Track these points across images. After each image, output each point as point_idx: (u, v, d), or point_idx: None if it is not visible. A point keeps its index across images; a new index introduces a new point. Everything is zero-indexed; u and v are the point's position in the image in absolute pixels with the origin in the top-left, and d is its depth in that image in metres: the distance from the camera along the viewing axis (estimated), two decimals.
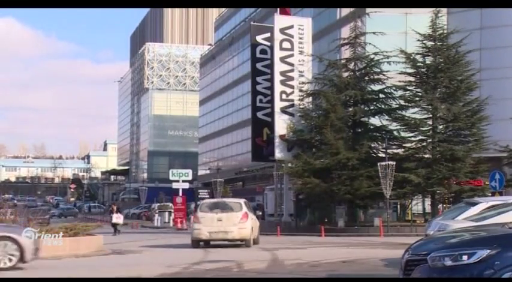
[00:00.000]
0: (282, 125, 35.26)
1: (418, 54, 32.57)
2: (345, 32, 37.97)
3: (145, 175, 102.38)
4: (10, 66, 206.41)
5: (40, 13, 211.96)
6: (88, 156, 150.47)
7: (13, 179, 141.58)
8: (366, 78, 34.13)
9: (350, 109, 33.65)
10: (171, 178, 42.54)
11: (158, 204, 52.05)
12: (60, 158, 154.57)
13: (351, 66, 34.30)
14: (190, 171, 43.84)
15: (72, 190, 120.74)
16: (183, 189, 41.88)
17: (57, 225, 19.03)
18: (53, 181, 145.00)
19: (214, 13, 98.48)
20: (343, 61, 35.11)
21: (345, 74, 34.43)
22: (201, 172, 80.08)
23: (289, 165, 35.04)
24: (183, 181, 41.84)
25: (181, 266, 12.85)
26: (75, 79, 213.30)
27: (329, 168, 31.64)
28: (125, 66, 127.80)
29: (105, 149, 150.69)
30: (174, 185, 41.99)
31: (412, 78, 32.59)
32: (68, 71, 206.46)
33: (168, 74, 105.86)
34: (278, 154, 35.55)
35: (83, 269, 12.82)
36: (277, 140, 35.39)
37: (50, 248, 15.37)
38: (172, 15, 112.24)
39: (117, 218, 32.24)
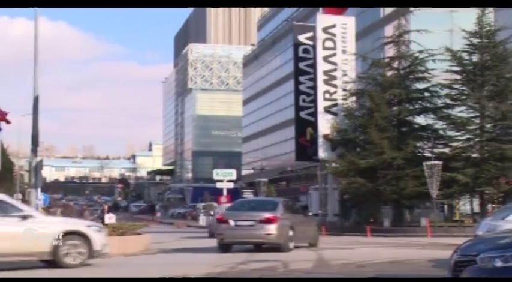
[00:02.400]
0: (325, 124, 35.13)
1: (464, 51, 32.05)
2: (389, 30, 37.62)
3: (190, 175, 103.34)
4: (60, 68, 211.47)
5: (91, 17, 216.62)
6: (134, 157, 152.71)
7: (62, 179, 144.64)
8: (411, 76, 33.76)
9: (395, 108, 33.34)
10: (215, 178, 42.90)
11: (203, 203, 52.47)
12: (107, 158, 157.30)
13: (395, 64, 33.97)
14: (234, 171, 44.09)
15: (119, 190, 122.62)
16: (228, 189, 42.17)
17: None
18: (100, 181, 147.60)
19: (256, 13, 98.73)
20: (387, 60, 34.81)
21: (389, 73, 34.11)
22: (245, 172, 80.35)
23: (334, 164, 34.89)
24: (228, 181, 42.13)
25: (228, 266, 12.95)
26: (122, 80, 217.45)
27: (374, 167, 31.40)
28: (170, 67, 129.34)
29: (150, 149, 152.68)
30: (218, 185, 42.31)
31: (458, 77, 32.10)
32: (116, 72, 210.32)
33: (211, 74, 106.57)
34: (322, 154, 35.42)
35: (130, 268, 13.04)
36: (320, 140, 35.28)
37: None
38: (215, 16, 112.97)
39: (110, 218, 29.15)
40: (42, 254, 12.75)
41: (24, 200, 30.54)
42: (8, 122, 23.55)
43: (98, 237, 13.31)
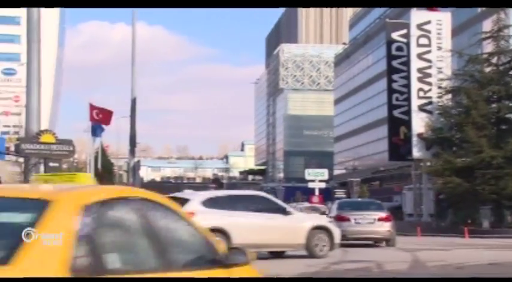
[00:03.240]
0: (419, 123, 34.39)
1: None
2: (487, 25, 36.31)
3: (281, 175, 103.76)
4: (156, 71, 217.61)
5: (183, 19, 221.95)
6: (227, 157, 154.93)
7: (158, 179, 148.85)
8: (511, 72, 32.45)
9: (493, 105, 32.15)
10: (307, 178, 42.94)
11: (295, 203, 52.56)
12: (200, 158, 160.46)
13: (494, 60, 32.75)
14: (326, 171, 43.96)
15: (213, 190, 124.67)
16: (320, 189, 42.09)
17: None
18: (194, 181, 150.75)
19: (348, 12, 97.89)
20: (485, 56, 33.60)
21: (487, 69, 32.95)
22: (336, 172, 79.85)
23: (428, 164, 34.08)
24: (319, 181, 42.07)
25: (321, 266, 12.92)
26: (215, 82, 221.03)
27: (471, 167, 30.39)
28: (262, 68, 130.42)
29: (242, 150, 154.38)
30: (310, 185, 42.34)
31: None
32: (209, 74, 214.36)
33: (302, 74, 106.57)
34: (416, 153, 34.70)
35: None
36: (415, 139, 34.56)
37: None
38: (307, 15, 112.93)
39: None
40: (299, 246, 14.15)
41: None
42: (107, 123, 24.49)
43: (337, 232, 14.70)
